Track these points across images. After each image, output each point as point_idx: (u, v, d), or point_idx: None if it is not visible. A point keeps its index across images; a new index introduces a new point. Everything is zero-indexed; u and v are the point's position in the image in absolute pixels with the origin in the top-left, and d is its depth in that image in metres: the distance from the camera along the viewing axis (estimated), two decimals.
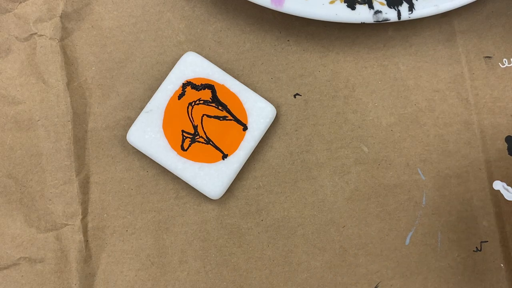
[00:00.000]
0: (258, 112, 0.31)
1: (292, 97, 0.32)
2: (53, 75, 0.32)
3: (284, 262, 0.30)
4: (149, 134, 0.30)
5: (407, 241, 0.31)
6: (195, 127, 0.30)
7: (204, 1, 0.33)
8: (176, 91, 0.30)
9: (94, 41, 0.32)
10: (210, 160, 0.30)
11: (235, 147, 0.30)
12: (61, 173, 0.31)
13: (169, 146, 0.30)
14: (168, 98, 0.30)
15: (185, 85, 0.31)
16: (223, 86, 0.31)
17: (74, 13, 0.32)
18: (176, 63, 0.31)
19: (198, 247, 0.30)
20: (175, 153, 0.30)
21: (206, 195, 0.30)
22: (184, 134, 0.30)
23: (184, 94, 0.30)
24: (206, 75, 0.31)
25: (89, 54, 0.32)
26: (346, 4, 0.31)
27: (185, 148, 0.30)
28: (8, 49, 0.32)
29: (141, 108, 0.32)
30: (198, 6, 0.33)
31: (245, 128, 0.30)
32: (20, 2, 0.32)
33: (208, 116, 0.30)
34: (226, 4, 0.33)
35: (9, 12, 0.32)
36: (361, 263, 0.31)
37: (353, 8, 0.31)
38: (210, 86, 0.31)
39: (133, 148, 0.31)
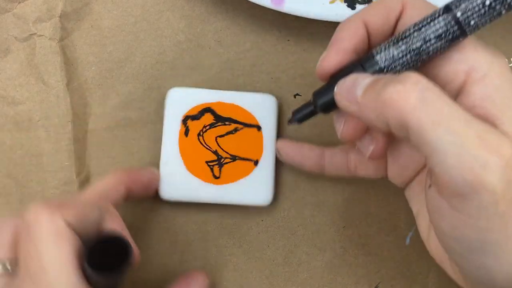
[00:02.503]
0: (261, 107, 0.30)
1: (292, 97, 0.32)
2: (52, 75, 0.31)
3: (284, 262, 0.30)
4: (179, 182, 0.30)
5: (407, 241, 0.31)
6: (215, 152, 0.30)
7: (204, 1, 0.33)
8: (180, 131, 0.30)
9: (93, 41, 0.32)
10: (245, 173, 0.30)
11: (260, 150, 0.30)
12: (61, 174, 0.31)
13: (203, 182, 0.30)
14: (177, 142, 0.30)
15: (185, 121, 0.30)
16: (218, 103, 0.30)
17: (73, 13, 0.32)
18: (175, 62, 0.31)
19: (198, 247, 0.30)
20: (212, 185, 0.30)
21: (260, 205, 0.30)
22: (209, 164, 0.30)
23: (188, 129, 0.30)
24: (198, 102, 0.30)
25: (89, 54, 0.32)
26: (346, 4, 0.31)
27: (218, 176, 0.30)
28: (7, 49, 0.32)
29: (141, 108, 0.32)
30: (197, 6, 0.33)
31: (259, 128, 0.30)
32: (19, 2, 0.32)
33: (220, 136, 0.30)
34: (226, 3, 0.33)
35: (8, 12, 0.32)
36: (361, 263, 0.31)
37: (353, 8, 0.31)
38: (207, 109, 0.30)
39: (133, 148, 0.31)
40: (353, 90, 0.21)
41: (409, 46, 0.21)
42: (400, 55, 0.21)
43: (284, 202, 0.31)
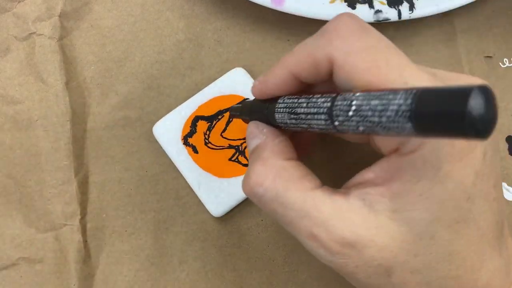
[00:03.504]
0: (237, 83, 0.31)
1: None
2: (52, 74, 0.31)
3: (284, 262, 0.30)
4: (222, 193, 0.29)
5: None
6: (230, 147, 0.30)
7: (204, 0, 0.33)
8: (189, 152, 0.30)
9: (93, 40, 0.32)
10: None
11: None
12: (60, 173, 0.31)
13: (239, 178, 0.30)
14: (194, 162, 0.30)
15: (186, 142, 0.30)
16: (200, 107, 0.30)
17: (73, 12, 0.32)
18: (175, 61, 0.31)
19: (198, 247, 0.30)
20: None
21: None
22: (232, 159, 0.30)
23: (194, 146, 0.30)
24: (183, 119, 0.30)
25: (88, 53, 0.32)
26: (346, 3, 0.31)
27: (247, 163, 0.30)
28: (7, 49, 0.32)
29: (141, 108, 0.31)
30: (197, 5, 0.33)
31: (247, 100, 0.30)
32: (19, 2, 0.32)
33: (223, 130, 0.30)
34: (226, 3, 0.33)
35: (8, 11, 0.32)
36: None
37: (353, 7, 0.31)
38: (195, 119, 0.30)
39: (132, 148, 0.31)
40: (247, 143, 0.23)
41: (296, 123, 0.20)
42: (291, 125, 0.21)
43: None
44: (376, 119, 0.16)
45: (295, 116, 0.20)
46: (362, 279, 0.19)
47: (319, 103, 0.19)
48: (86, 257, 0.30)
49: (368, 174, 0.20)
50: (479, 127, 0.13)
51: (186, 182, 0.30)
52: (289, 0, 0.30)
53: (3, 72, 0.31)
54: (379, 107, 0.15)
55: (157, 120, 0.30)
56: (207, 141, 0.30)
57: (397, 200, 0.19)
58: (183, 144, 0.30)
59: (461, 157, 0.18)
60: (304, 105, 0.20)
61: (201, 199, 0.30)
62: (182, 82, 0.32)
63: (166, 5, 0.33)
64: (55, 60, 0.31)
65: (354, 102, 0.17)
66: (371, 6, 0.31)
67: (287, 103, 0.21)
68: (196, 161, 0.30)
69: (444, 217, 0.18)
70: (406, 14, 0.31)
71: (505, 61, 0.32)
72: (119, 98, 0.32)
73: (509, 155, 0.31)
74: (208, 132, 0.30)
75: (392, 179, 0.19)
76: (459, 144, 0.18)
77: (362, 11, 0.31)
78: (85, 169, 0.31)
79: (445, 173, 0.18)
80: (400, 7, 0.31)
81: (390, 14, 0.31)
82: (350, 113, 0.17)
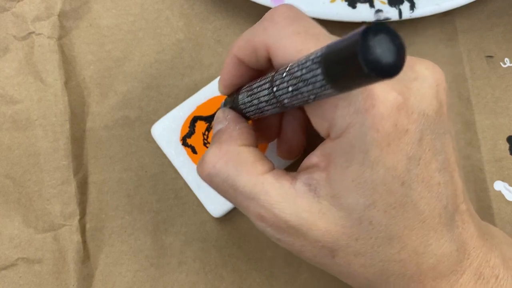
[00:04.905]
0: None
1: None
2: (51, 74, 0.31)
3: (285, 263, 0.30)
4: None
5: None
6: None
7: None
8: (188, 153, 0.30)
9: (92, 39, 0.32)
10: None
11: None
12: (59, 173, 0.30)
13: None
14: (193, 163, 0.30)
15: (184, 143, 0.30)
16: (198, 107, 0.30)
17: (72, 11, 0.32)
18: (174, 61, 0.31)
19: (197, 248, 0.30)
20: None
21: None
22: None
23: (193, 147, 0.30)
24: (182, 119, 0.30)
25: (87, 53, 0.32)
26: (347, 3, 0.31)
27: None
28: (6, 48, 0.32)
29: (140, 107, 0.31)
30: (197, 4, 0.33)
31: None
32: (18, 1, 0.32)
33: None
34: (226, 2, 0.33)
35: (7, 10, 0.32)
36: None
37: (354, 7, 0.30)
38: (194, 119, 0.30)
39: (131, 148, 0.31)
40: (213, 127, 0.24)
41: (250, 100, 0.21)
42: (248, 104, 0.22)
43: None
44: (299, 73, 0.17)
45: (251, 92, 0.21)
46: (309, 257, 0.21)
47: (268, 76, 0.20)
48: (85, 258, 0.30)
49: (312, 158, 0.21)
50: (376, 60, 0.13)
51: (185, 182, 0.30)
52: (289, 0, 0.30)
53: (2, 71, 0.31)
54: (302, 61, 0.17)
55: (157, 120, 0.30)
56: (206, 141, 0.30)
57: (334, 186, 0.19)
58: (182, 145, 0.30)
59: (388, 142, 0.18)
60: (259, 80, 0.21)
61: (200, 199, 0.29)
62: (182, 82, 0.32)
63: (166, 4, 0.33)
64: (54, 60, 0.31)
65: (289, 65, 0.18)
66: (371, 5, 0.31)
67: (250, 84, 0.22)
68: (195, 161, 0.30)
69: (379, 202, 0.19)
70: (407, 13, 0.30)
71: (506, 60, 0.32)
72: (118, 98, 0.32)
73: (509, 155, 0.31)
74: (207, 133, 0.30)
75: (329, 164, 0.20)
76: (384, 129, 0.18)
77: (363, 10, 0.30)
78: (84, 169, 0.31)
79: (374, 158, 0.19)
80: (401, 7, 0.31)
81: (391, 13, 0.30)
82: (284, 74, 0.18)
